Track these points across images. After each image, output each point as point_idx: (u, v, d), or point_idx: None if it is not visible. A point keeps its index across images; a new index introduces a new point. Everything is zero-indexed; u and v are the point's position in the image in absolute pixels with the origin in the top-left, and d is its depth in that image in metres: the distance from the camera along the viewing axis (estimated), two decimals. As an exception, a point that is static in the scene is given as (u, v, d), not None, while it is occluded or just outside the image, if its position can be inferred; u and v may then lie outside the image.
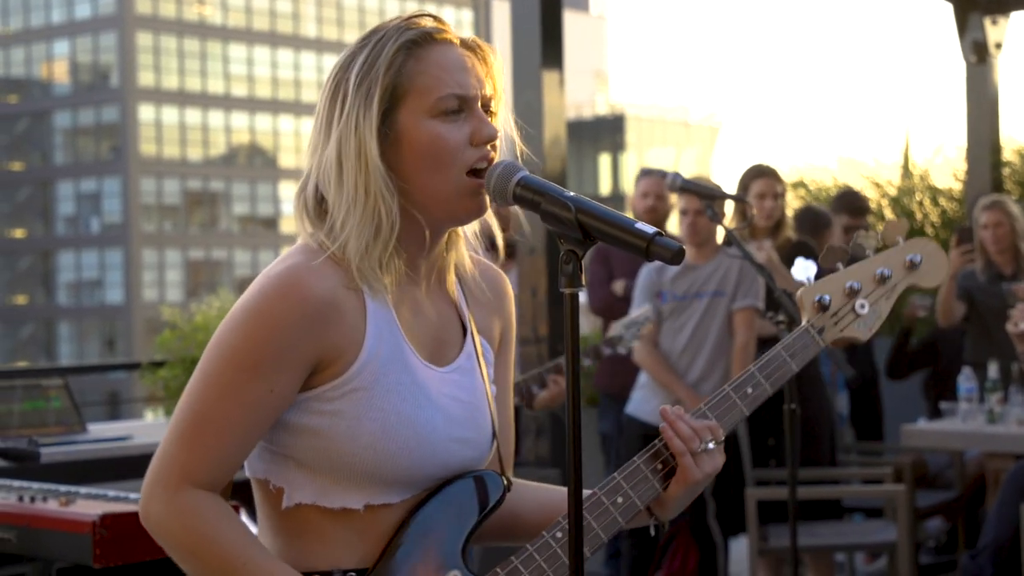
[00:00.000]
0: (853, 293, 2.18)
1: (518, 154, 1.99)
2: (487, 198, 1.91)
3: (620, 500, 1.98)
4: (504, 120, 1.98)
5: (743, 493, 5.27)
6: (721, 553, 5.66)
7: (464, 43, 1.95)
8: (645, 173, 6.60)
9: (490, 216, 2.00)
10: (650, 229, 1.74)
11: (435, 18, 1.94)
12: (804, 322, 2.16)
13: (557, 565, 1.92)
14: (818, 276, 2.21)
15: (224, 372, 1.81)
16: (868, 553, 6.99)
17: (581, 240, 1.77)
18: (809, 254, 5.78)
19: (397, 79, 1.88)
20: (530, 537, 1.99)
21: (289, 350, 1.81)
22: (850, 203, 6.93)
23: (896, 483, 5.69)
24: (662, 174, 6.48)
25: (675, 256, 1.72)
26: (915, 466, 6.28)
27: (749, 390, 2.09)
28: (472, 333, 2.01)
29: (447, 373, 1.95)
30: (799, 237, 5.97)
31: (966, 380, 5.95)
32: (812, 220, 6.52)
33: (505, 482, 1.98)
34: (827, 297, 2.17)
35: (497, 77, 1.96)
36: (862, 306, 2.19)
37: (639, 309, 5.09)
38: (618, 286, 6.29)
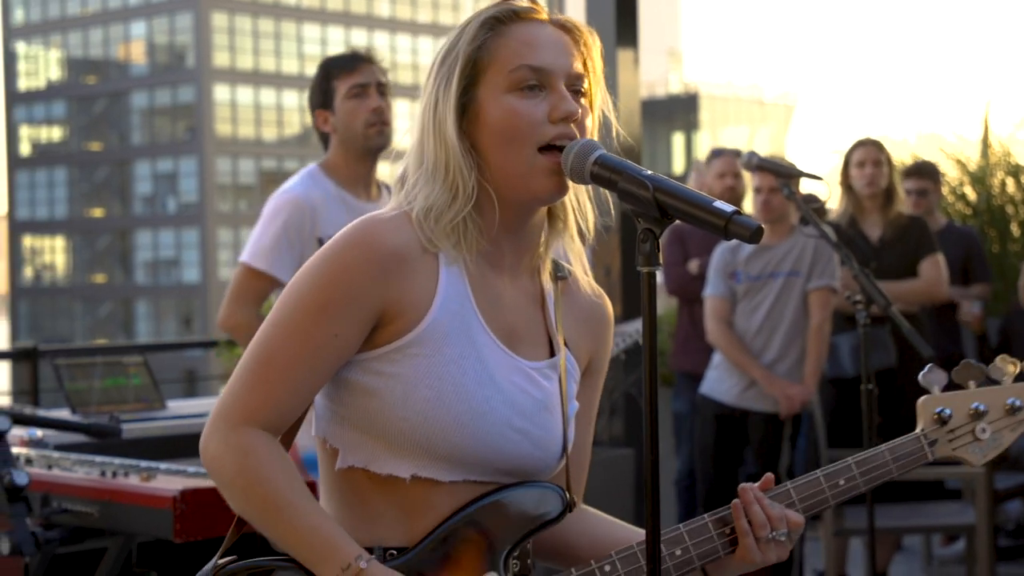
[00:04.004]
0: (978, 415, 2.09)
1: (615, 138, 1.95)
2: (566, 178, 1.88)
3: (679, 553, 1.94)
4: (602, 103, 1.96)
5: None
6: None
7: (557, 23, 1.92)
8: (717, 154, 6.52)
9: (580, 194, 1.97)
10: (728, 207, 1.71)
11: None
12: (918, 430, 2.08)
13: None
14: (946, 388, 2.11)
15: (293, 314, 1.84)
16: (945, 536, 6.92)
17: (659, 219, 1.74)
18: (923, 231, 5.72)
19: (478, 54, 1.88)
20: (575, 565, 1.96)
21: (357, 295, 1.83)
22: (918, 168, 6.78)
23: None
24: (735, 153, 6.42)
25: (754, 234, 1.68)
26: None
27: (841, 482, 2.02)
28: (558, 341, 1.98)
29: (526, 366, 1.92)
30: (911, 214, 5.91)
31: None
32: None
33: (569, 497, 1.94)
34: (948, 411, 2.08)
35: (594, 59, 1.94)
36: (983, 430, 2.09)
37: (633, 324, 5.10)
38: (693, 265, 6.26)
